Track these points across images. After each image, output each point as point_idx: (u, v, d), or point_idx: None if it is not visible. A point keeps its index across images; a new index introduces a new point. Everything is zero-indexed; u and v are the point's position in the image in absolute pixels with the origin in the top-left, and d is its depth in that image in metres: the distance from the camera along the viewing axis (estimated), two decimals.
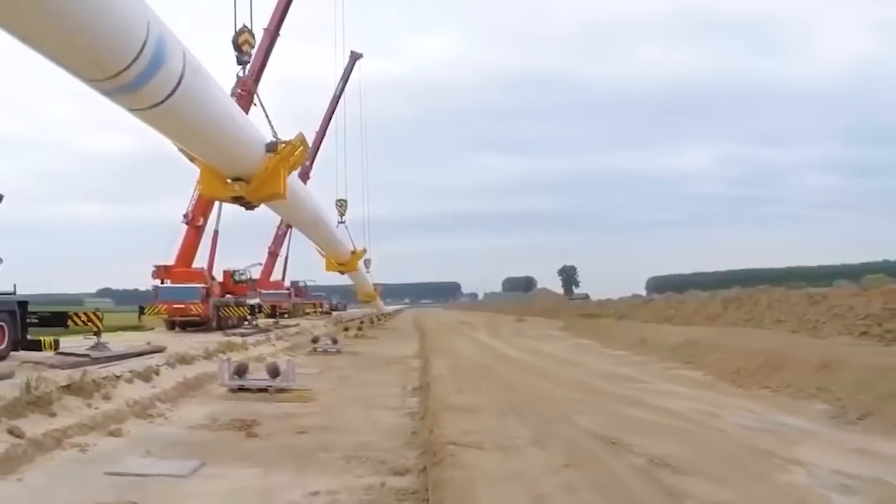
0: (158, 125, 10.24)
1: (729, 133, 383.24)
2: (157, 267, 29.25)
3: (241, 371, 14.19)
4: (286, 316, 42.95)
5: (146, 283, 30.34)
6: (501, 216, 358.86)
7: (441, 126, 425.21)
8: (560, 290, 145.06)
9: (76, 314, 15.31)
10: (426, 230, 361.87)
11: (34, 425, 9.17)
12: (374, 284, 71.52)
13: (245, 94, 23.79)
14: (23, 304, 14.15)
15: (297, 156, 14.31)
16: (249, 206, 14.71)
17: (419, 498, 6.84)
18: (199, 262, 30.48)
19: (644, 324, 32.27)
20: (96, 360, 13.61)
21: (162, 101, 8.99)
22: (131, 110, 9.08)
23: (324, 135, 47.76)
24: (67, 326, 15.37)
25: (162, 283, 28.86)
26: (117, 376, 12.46)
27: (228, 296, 30.90)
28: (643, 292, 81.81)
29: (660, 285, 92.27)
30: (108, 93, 8.40)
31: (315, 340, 25.76)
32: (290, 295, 48.73)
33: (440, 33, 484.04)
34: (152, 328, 28.07)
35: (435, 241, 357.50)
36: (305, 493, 7.17)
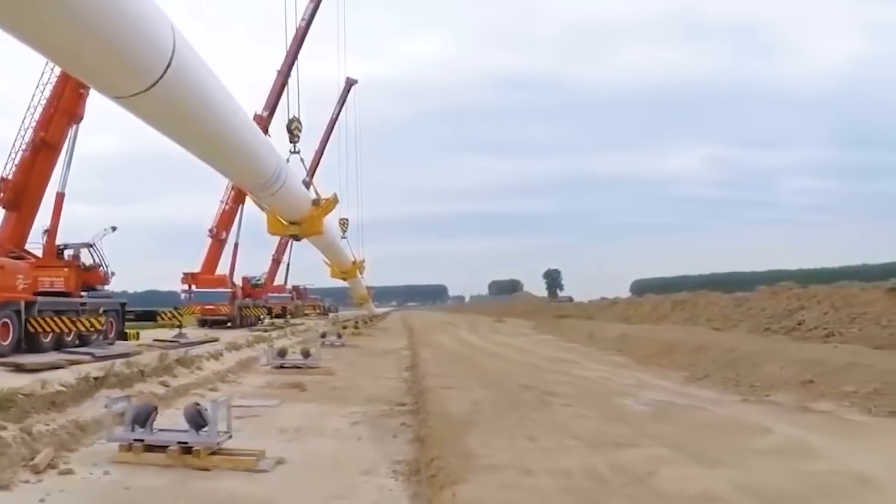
0: (267, 200, 16.03)
1: (719, 136, 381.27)
2: (186, 274, 34.55)
3: (282, 353, 19.60)
4: (290, 316, 48.41)
5: (135, 286, 35.63)
6: (490, 218, 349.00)
7: (429, 127, 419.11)
8: (545, 294, 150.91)
9: (163, 312, 20.73)
10: (413, 232, 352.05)
11: (169, 382, 14.56)
12: (367, 287, 76.54)
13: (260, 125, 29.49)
14: (123, 304, 19.46)
15: (331, 207, 20.22)
16: (298, 239, 20.81)
17: (414, 412, 12.27)
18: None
19: (602, 322, 37.88)
20: (183, 345, 18.97)
21: (276, 191, 15.04)
22: (259, 196, 15.09)
23: (322, 153, 53.14)
24: (157, 321, 20.72)
25: (190, 287, 34.14)
26: (200, 356, 17.85)
27: (247, 299, 36.22)
28: (628, 295, 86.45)
29: (644, 288, 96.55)
30: (252, 191, 14.69)
31: (323, 335, 31.10)
32: (292, 298, 54.08)
33: (429, 34, 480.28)
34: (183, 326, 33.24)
35: (422, 243, 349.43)
36: (348, 412, 12.59)
